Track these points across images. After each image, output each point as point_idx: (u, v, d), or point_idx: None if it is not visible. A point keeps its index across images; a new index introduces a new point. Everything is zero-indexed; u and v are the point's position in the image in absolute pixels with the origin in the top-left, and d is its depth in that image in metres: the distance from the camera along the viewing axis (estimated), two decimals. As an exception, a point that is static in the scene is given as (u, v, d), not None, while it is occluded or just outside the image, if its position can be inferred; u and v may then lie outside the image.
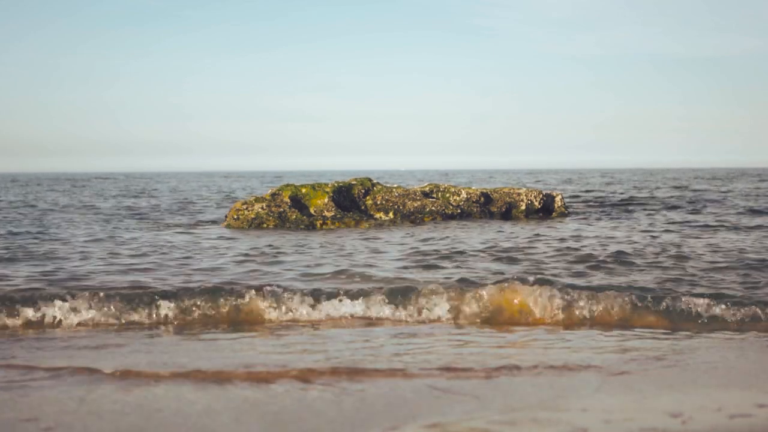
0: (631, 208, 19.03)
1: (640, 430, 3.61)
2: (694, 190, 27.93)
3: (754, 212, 17.06)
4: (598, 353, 5.15)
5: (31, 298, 6.35)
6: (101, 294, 6.41)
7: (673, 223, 14.53)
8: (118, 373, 4.58)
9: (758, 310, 6.19)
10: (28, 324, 6.16)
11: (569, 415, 3.81)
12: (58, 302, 6.29)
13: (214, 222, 15.18)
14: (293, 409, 3.93)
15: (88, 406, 3.99)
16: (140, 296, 6.46)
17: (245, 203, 14.14)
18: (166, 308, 6.36)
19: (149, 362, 4.89)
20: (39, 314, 6.22)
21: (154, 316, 6.32)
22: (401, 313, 6.41)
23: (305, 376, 4.51)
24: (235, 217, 13.90)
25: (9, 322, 6.14)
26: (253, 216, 13.76)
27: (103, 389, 4.27)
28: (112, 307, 6.29)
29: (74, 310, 6.26)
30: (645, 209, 18.49)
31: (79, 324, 6.21)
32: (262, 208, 13.84)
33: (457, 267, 8.59)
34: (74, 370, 4.67)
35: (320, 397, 4.12)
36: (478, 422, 3.71)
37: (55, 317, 6.22)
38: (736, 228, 13.26)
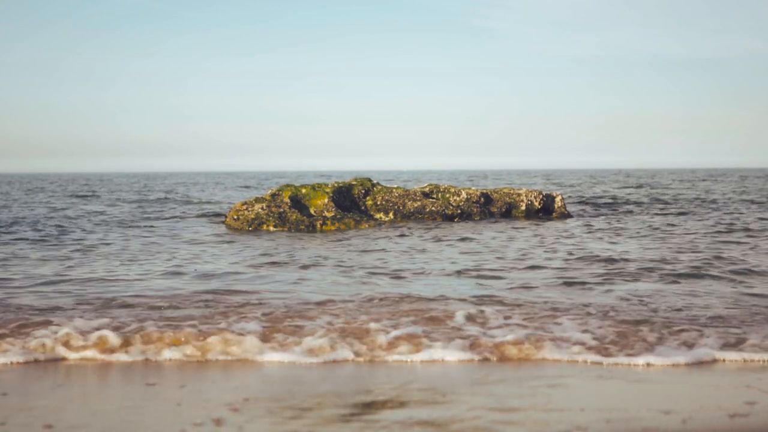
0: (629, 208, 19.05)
1: (642, 430, 3.62)
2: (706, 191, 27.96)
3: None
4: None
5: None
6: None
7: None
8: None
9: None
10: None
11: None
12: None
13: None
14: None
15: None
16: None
17: (245, 203, 14.14)
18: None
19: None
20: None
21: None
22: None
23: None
24: (235, 217, 13.90)
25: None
26: (252, 216, 13.75)
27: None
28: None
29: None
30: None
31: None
32: (262, 208, 13.84)
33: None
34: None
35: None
36: (480, 421, 3.72)
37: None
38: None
